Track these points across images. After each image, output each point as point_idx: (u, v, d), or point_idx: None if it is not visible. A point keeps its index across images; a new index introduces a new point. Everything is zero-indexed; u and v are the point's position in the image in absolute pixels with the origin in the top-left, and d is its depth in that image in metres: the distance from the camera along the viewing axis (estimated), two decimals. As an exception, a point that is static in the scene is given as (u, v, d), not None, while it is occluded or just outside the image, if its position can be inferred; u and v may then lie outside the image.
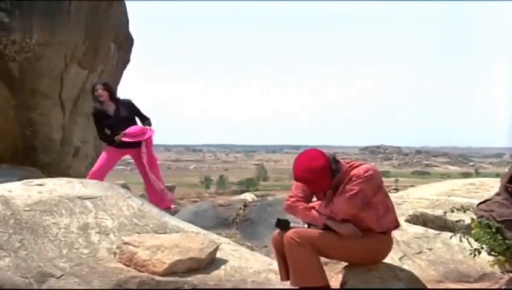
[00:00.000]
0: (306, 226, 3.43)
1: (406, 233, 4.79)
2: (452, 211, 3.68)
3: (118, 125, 6.47)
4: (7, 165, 7.58)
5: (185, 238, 4.03)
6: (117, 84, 9.57)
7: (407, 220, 5.07)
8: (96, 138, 9.28)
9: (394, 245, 4.28)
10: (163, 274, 3.66)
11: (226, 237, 5.13)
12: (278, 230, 3.48)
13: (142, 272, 3.69)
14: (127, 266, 3.77)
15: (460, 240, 3.53)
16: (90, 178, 6.03)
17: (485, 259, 3.67)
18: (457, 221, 3.80)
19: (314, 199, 3.54)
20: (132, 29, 9.87)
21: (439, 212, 4.94)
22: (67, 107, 8.27)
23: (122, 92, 9.63)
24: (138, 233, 4.23)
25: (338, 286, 3.48)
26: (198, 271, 3.77)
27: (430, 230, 4.88)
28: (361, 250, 3.40)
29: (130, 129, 6.42)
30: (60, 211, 4.37)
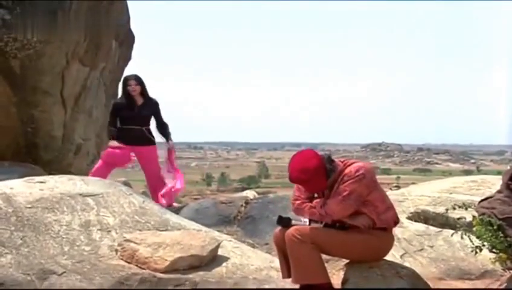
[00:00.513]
0: (307, 223, 3.43)
1: (407, 230, 4.80)
2: (454, 209, 3.68)
3: (136, 121, 6.40)
4: (9, 163, 7.58)
5: (186, 236, 4.03)
6: (118, 81, 9.56)
7: (409, 218, 5.07)
8: (98, 136, 9.28)
9: (395, 242, 4.27)
10: (165, 271, 3.66)
11: (227, 234, 5.14)
12: (279, 227, 3.49)
13: (144, 269, 3.69)
14: (129, 263, 3.78)
15: (462, 238, 3.53)
16: (93, 175, 6.03)
17: (487, 256, 3.67)
18: (458, 218, 3.80)
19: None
20: (133, 26, 9.87)
21: (440, 209, 4.94)
22: (68, 104, 8.26)
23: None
24: (140, 230, 4.24)
25: (339, 283, 3.48)
26: (199, 268, 3.78)
27: (431, 227, 4.88)
28: (363, 247, 3.40)
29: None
30: (61, 208, 4.37)
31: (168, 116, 6.86)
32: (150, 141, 6.55)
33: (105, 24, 8.65)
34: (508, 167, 3.73)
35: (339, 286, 3.46)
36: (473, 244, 3.45)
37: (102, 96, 9.25)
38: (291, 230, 3.36)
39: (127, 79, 6.53)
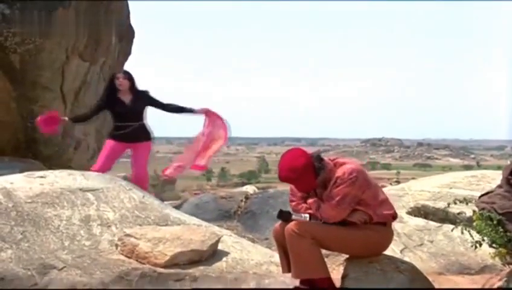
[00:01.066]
0: (308, 218, 3.43)
1: (407, 225, 4.80)
2: (454, 204, 3.68)
3: (129, 116, 6.18)
4: (9, 158, 7.58)
5: (186, 231, 4.03)
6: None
7: (409, 213, 5.08)
8: (98, 131, 9.28)
9: (395, 237, 4.28)
10: (165, 266, 3.66)
11: (227, 229, 5.14)
12: (279, 222, 3.49)
13: (144, 264, 3.70)
14: (129, 258, 3.78)
15: (462, 232, 3.53)
16: (94, 170, 5.99)
17: (486, 251, 3.67)
18: (458, 213, 3.80)
19: None
20: (133, 21, 9.85)
21: (440, 204, 4.95)
22: (68, 99, 8.26)
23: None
24: (140, 225, 4.24)
25: (339, 278, 3.48)
26: (199, 263, 3.78)
27: (431, 222, 4.88)
28: (362, 242, 3.41)
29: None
30: (61, 203, 4.38)
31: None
32: (147, 137, 6.49)
33: (105, 19, 8.63)
34: (508, 162, 3.73)
35: (339, 281, 3.47)
36: (473, 239, 3.45)
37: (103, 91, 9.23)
38: (291, 225, 3.36)
39: (114, 74, 6.29)
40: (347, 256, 3.61)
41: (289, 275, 3.46)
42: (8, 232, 3.88)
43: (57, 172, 5.02)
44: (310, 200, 3.45)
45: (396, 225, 4.63)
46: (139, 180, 6.06)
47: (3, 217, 4.03)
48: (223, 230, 4.71)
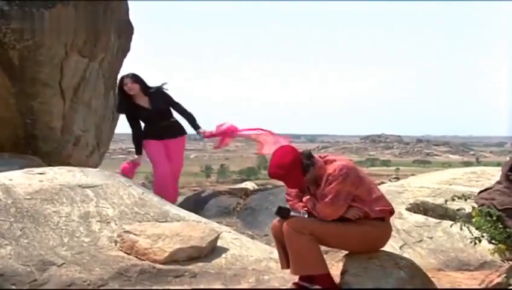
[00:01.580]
0: (306, 215, 3.44)
1: (406, 222, 4.80)
2: (453, 200, 3.68)
3: (155, 117, 6.05)
4: (8, 154, 7.56)
5: (186, 227, 4.03)
6: (117, 73, 9.51)
7: (408, 209, 5.08)
8: (97, 127, 9.27)
9: (395, 234, 4.29)
10: (164, 262, 3.67)
11: (226, 225, 5.15)
12: (277, 219, 3.50)
13: (143, 260, 3.70)
14: (128, 254, 3.78)
15: (461, 229, 3.53)
16: (164, 177, 5.93)
17: (486, 247, 3.67)
18: (458, 209, 3.80)
19: None
20: (132, 17, 9.82)
21: (440, 200, 4.95)
22: (67, 95, 8.22)
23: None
24: (139, 222, 4.24)
25: (339, 275, 3.49)
26: (199, 259, 3.78)
27: (430, 219, 4.89)
28: (361, 237, 3.41)
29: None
30: (60, 199, 4.37)
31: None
32: (180, 133, 6.28)
33: (104, 16, 8.60)
34: (508, 158, 3.73)
35: (338, 277, 3.47)
36: (472, 235, 3.45)
37: (102, 87, 9.21)
38: (289, 222, 3.37)
39: (121, 79, 6.11)
40: (346, 252, 3.61)
41: (288, 271, 3.47)
42: (8, 228, 3.88)
43: (56, 168, 5.02)
44: (305, 198, 3.48)
45: (395, 222, 4.64)
46: (174, 176, 6.05)
47: (2, 214, 4.02)
48: (222, 226, 4.71)
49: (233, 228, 5.09)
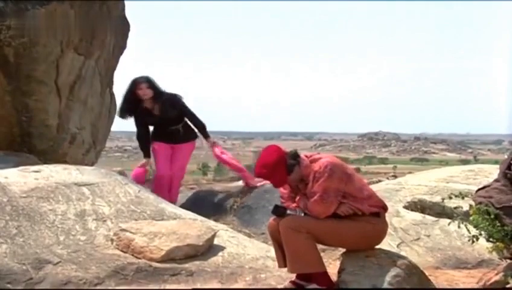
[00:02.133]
0: (302, 213, 3.43)
1: (403, 220, 4.80)
2: (450, 198, 3.68)
3: (163, 124, 5.97)
4: (3, 152, 7.52)
5: (182, 225, 4.02)
6: (113, 70, 9.47)
7: (405, 207, 5.08)
8: (93, 125, 9.23)
9: (392, 232, 4.28)
10: (161, 261, 3.65)
11: (223, 223, 5.13)
12: (274, 217, 3.50)
13: (140, 258, 3.69)
14: (124, 252, 3.77)
15: (459, 227, 3.53)
16: (161, 181, 5.92)
17: (483, 245, 3.67)
18: (455, 207, 3.79)
19: None
20: (128, 14, 9.78)
21: (437, 198, 4.95)
22: (63, 93, 8.17)
23: (118, 77, 9.51)
24: (135, 220, 4.22)
25: (336, 273, 3.48)
26: (195, 258, 3.77)
27: (428, 217, 4.89)
28: (357, 234, 3.41)
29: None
30: (56, 197, 4.35)
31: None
32: (189, 138, 6.20)
33: (100, 13, 8.56)
34: (505, 156, 3.72)
35: (336, 276, 3.46)
36: (470, 233, 3.45)
37: (98, 85, 9.16)
38: (286, 220, 3.36)
39: (134, 82, 5.96)
40: (344, 251, 3.60)
41: (285, 269, 3.46)
42: (3, 227, 3.86)
43: (51, 166, 5.00)
44: (297, 199, 3.48)
45: (393, 220, 4.63)
46: (174, 180, 6.04)
47: (-3, 212, 4.00)
48: (219, 225, 4.70)
49: (230, 226, 5.08)
